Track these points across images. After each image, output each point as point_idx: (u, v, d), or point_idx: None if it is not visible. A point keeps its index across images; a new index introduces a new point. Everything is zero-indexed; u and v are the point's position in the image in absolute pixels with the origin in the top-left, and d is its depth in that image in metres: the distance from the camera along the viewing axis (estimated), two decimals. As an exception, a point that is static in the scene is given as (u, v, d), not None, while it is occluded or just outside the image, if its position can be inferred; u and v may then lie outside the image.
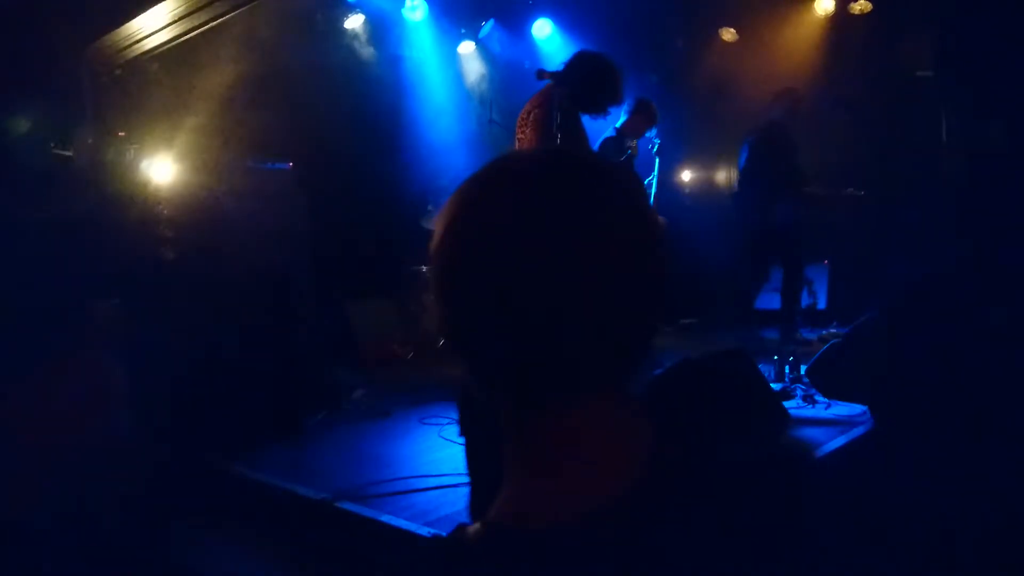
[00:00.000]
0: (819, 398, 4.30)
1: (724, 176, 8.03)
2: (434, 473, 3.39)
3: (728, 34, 7.31)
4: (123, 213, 4.36)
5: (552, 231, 0.68)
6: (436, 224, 0.76)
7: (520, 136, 4.05)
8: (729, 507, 0.70)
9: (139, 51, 4.69)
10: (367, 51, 6.65)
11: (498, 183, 0.75)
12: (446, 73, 7.18)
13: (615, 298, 0.69)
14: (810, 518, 0.78)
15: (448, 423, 4.22)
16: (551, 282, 0.67)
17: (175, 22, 4.42)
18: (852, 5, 6.78)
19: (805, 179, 5.65)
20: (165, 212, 4.50)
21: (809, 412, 4.14)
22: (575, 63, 3.94)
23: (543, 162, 0.76)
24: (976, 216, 6.05)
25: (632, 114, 5.14)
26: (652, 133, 5.24)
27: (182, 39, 4.68)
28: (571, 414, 0.71)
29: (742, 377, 3.16)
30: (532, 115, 3.99)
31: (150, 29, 4.49)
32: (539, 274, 0.67)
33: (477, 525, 0.70)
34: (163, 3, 4.25)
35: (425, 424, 4.26)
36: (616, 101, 4.13)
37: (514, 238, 0.68)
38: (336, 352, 5.44)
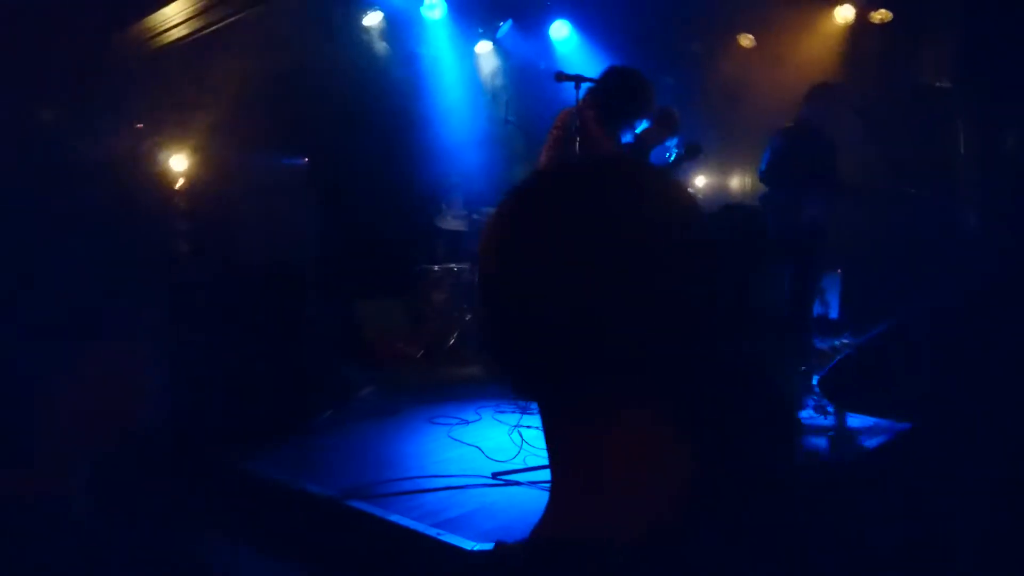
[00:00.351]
0: (831, 409, 4.27)
1: (738, 181, 8.00)
2: (442, 474, 3.38)
3: (746, 40, 7.28)
4: (139, 205, 4.36)
5: (601, 241, 0.67)
6: (486, 231, 0.75)
7: (542, 158, 4.08)
8: (769, 531, 0.69)
9: (159, 44, 4.70)
10: (384, 48, 6.65)
11: (547, 193, 0.73)
12: (462, 72, 7.17)
13: (666, 312, 0.68)
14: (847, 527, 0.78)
15: (457, 423, 4.22)
16: (600, 293, 0.66)
17: (195, 16, 4.43)
18: (872, 14, 6.74)
19: (838, 181, 5.49)
20: (180, 205, 4.51)
21: (820, 423, 4.10)
22: (607, 77, 3.95)
23: (595, 172, 0.74)
24: (996, 227, 6.02)
25: (653, 122, 5.10)
26: (673, 142, 5.19)
27: (202, 33, 4.69)
28: (617, 430, 0.70)
29: (752, 384, 3.14)
30: (551, 135, 4.04)
31: (170, 23, 4.50)
32: (588, 285, 0.66)
33: (523, 541, 0.70)
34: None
35: (434, 424, 4.26)
36: (648, 114, 4.15)
37: (561, 248, 0.67)
38: (345, 350, 5.44)
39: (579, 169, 0.75)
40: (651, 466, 0.70)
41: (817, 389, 4.47)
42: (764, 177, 5.38)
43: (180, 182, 4.63)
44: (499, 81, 7.28)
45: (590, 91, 3.95)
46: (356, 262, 5.83)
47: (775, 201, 5.30)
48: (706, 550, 0.66)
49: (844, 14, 6.85)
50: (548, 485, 0.76)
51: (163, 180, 4.59)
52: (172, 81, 4.85)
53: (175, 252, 4.35)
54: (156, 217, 4.39)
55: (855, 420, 4.12)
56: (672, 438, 0.72)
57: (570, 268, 0.66)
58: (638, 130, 5.09)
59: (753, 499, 0.72)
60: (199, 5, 4.48)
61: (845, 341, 5.85)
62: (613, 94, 3.84)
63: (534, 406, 0.77)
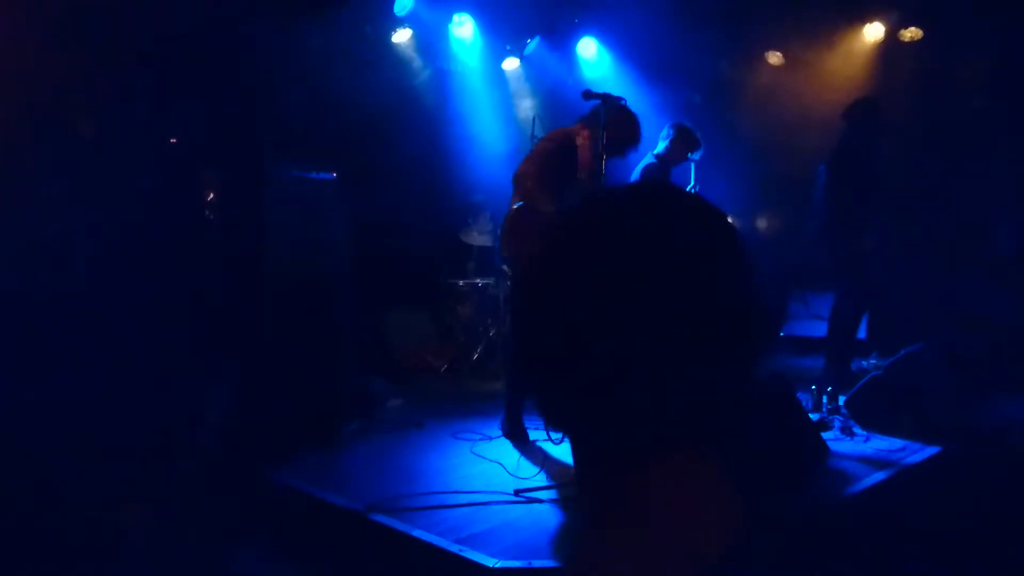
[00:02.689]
0: (857, 430, 4.23)
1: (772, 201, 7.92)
2: (465, 489, 3.40)
3: (775, 58, 7.25)
4: (175, 219, 4.46)
5: (649, 271, 0.64)
6: (522, 260, 0.74)
7: (527, 167, 4.17)
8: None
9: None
10: (414, 65, 6.72)
11: (587, 224, 0.70)
12: (490, 89, 7.23)
13: (707, 350, 0.65)
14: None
15: (480, 439, 4.23)
16: (641, 328, 0.63)
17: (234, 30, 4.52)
18: (902, 32, 6.69)
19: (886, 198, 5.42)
20: (212, 217, 4.59)
21: (848, 444, 4.05)
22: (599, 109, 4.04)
23: (637, 202, 0.71)
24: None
25: (672, 140, 5.12)
26: (696, 156, 5.20)
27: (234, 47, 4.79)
28: (653, 470, 0.67)
29: (782, 407, 3.12)
30: (540, 146, 4.19)
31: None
32: (628, 319, 0.63)
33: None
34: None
35: (457, 439, 4.27)
36: (635, 146, 4.24)
37: (600, 285, 0.65)
38: (373, 362, 5.48)
39: (627, 197, 0.72)
40: (695, 506, 0.67)
41: (844, 410, 4.42)
42: (823, 207, 5.28)
43: (211, 195, 4.71)
44: (526, 98, 7.33)
45: (585, 117, 4.08)
46: (384, 275, 5.88)
47: (835, 227, 5.20)
48: None
49: (874, 32, 6.80)
50: (571, 504, 0.75)
51: (196, 193, 4.67)
52: (206, 95, 4.93)
53: (207, 263, 4.42)
54: (190, 230, 4.49)
55: (883, 442, 4.07)
56: (717, 476, 0.69)
57: (617, 298, 0.64)
58: (657, 150, 5.12)
59: (794, 531, 0.71)
60: (236, 18, 4.57)
61: (873, 362, 5.78)
62: (609, 124, 3.90)
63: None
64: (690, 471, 0.68)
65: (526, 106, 7.25)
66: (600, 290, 0.64)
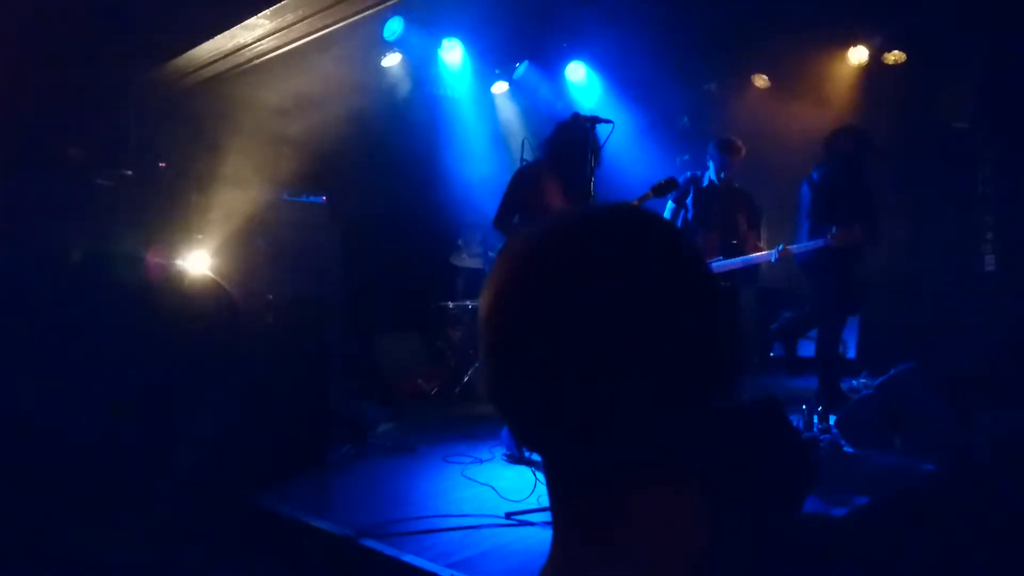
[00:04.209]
0: (849, 450, 4.23)
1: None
2: (456, 513, 3.37)
3: (760, 81, 7.34)
4: (162, 243, 4.44)
5: (619, 292, 0.63)
6: (489, 284, 0.71)
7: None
8: None
9: (184, 86, 4.82)
10: (403, 89, 6.77)
11: (561, 239, 0.68)
12: (479, 112, 7.28)
13: (681, 373, 0.64)
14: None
15: (471, 462, 4.21)
16: (616, 354, 0.63)
17: (222, 57, 4.54)
18: (886, 55, 6.78)
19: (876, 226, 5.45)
20: (203, 241, 4.58)
21: (838, 464, 4.05)
22: (558, 132, 4.14)
23: (614, 220, 0.70)
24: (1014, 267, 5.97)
25: (723, 155, 5.14)
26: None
27: (225, 75, 4.81)
28: (625, 492, 0.67)
29: (773, 427, 3.11)
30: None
31: (195, 65, 4.62)
32: (604, 337, 0.63)
33: None
34: (209, 41, 4.38)
35: (448, 462, 4.25)
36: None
37: (571, 307, 0.63)
38: (363, 385, 5.46)
39: (596, 217, 0.70)
40: (660, 531, 0.66)
41: (835, 430, 4.42)
42: (812, 232, 5.31)
43: (202, 219, 4.71)
44: (515, 121, 7.38)
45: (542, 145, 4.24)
46: (374, 299, 5.88)
47: (825, 250, 5.23)
48: None
49: (858, 56, 6.89)
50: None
51: (185, 218, 4.67)
52: (196, 121, 4.95)
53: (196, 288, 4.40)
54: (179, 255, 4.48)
55: (874, 461, 4.07)
56: (691, 499, 0.68)
57: (586, 319, 0.63)
58: (712, 174, 5.17)
59: (782, 552, 0.70)
60: (225, 48, 4.59)
61: (863, 381, 5.80)
62: (564, 147, 3.97)
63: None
64: (667, 494, 0.67)
65: (515, 129, 7.30)
66: (573, 311, 0.63)
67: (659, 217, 0.73)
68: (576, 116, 3.92)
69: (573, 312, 0.63)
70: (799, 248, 5.15)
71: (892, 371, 4.53)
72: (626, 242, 0.67)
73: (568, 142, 3.96)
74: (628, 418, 0.64)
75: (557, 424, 0.65)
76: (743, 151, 5.18)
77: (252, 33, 4.57)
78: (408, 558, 2.88)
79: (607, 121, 3.95)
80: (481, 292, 0.72)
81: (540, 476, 3.77)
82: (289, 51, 5.06)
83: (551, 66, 7.27)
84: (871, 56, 6.85)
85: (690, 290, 0.67)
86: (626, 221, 0.69)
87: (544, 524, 3.22)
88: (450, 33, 6.69)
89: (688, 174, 5.36)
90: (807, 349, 6.35)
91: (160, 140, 4.80)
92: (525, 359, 0.66)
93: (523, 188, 4.20)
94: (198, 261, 4.47)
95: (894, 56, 6.76)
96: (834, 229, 4.97)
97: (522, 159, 6.42)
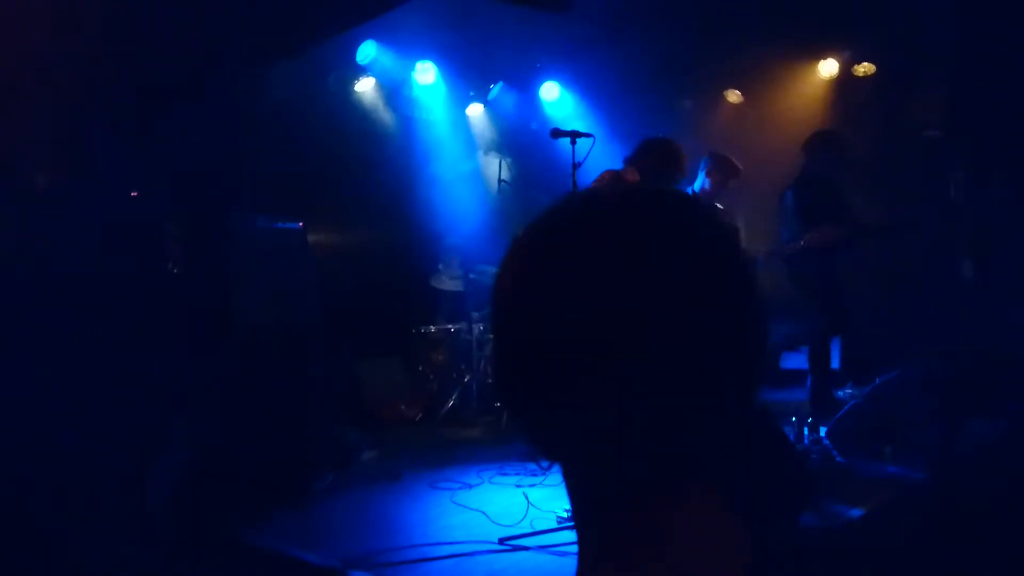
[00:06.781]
0: (840, 459, 4.19)
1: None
2: (447, 540, 3.28)
3: (733, 96, 7.42)
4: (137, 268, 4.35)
5: (650, 277, 0.58)
6: (500, 279, 0.64)
7: None
8: None
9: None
10: (378, 113, 6.74)
11: (583, 222, 0.63)
12: (455, 134, 7.27)
13: (715, 377, 0.59)
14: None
15: (460, 487, 4.12)
16: (650, 335, 0.57)
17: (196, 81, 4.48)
18: (856, 67, 6.89)
19: (859, 223, 5.43)
20: (176, 271, 4.48)
21: (830, 475, 4.02)
22: (647, 147, 4.15)
23: (643, 201, 0.64)
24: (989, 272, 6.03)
25: (711, 172, 5.06)
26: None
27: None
28: (665, 506, 0.62)
29: (771, 438, 3.08)
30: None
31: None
32: (637, 327, 0.57)
33: None
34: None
35: (436, 488, 4.16)
36: (683, 178, 4.36)
37: (604, 284, 0.58)
38: (346, 412, 5.36)
39: (621, 197, 0.65)
40: (714, 547, 0.62)
41: (826, 440, 4.40)
42: (791, 230, 5.30)
43: (178, 246, 4.62)
44: (492, 142, 7.38)
45: (630, 159, 4.17)
46: (355, 324, 5.79)
47: (805, 254, 5.22)
48: None
49: (829, 68, 7.00)
50: (559, 549, 0.68)
51: (163, 243, 4.58)
52: (170, 143, 4.87)
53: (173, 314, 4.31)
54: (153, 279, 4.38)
55: (865, 470, 4.05)
56: (731, 513, 0.64)
57: (613, 307, 0.57)
58: (696, 186, 5.15)
59: (781, 564, 0.66)
60: (198, 69, 4.53)
61: (849, 391, 5.79)
62: (655, 162, 3.97)
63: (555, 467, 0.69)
64: (709, 508, 0.62)
65: (492, 150, 7.29)
66: (598, 305, 0.57)
67: (699, 203, 0.67)
68: (555, 132, 3.90)
69: (599, 306, 0.58)
70: (778, 249, 5.16)
71: (878, 379, 4.53)
72: (661, 232, 0.61)
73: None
74: (663, 418, 0.58)
75: (585, 427, 0.59)
76: (732, 173, 5.10)
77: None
78: (399, 589, 2.80)
79: (588, 136, 3.94)
80: (492, 291, 0.65)
81: (532, 499, 3.70)
82: (262, 77, 5.04)
83: (525, 86, 7.29)
84: (841, 68, 6.97)
85: (731, 285, 0.61)
86: (664, 207, 0.63)
87: (539, 548, 3.14)
88: (424, 56, 6.70)
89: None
90: (790, 361, 6.36)
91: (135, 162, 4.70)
92: (547, 360, 0.59)
93: None
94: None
95: (864, 68, 6.88)
96: (809, 230, 5.00)
97: (500, 180, 6.41)
